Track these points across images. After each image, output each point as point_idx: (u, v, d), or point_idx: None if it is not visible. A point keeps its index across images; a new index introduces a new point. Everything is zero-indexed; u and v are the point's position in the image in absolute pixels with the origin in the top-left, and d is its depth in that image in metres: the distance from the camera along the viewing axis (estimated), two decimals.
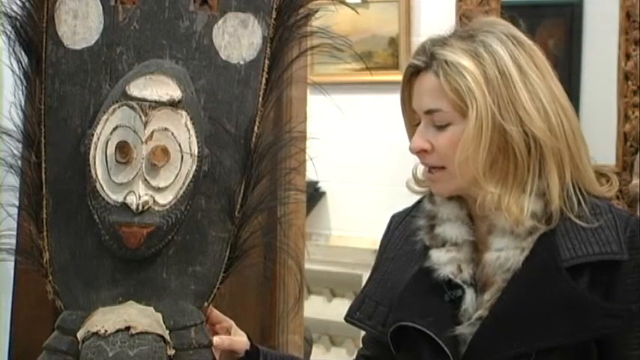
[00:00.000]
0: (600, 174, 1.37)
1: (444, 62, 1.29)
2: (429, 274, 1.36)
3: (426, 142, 1.33)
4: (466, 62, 1.28)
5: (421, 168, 1.42)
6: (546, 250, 1.29)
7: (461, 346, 1.31)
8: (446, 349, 1.29)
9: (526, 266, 1.29)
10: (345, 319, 1.45)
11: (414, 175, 1.45)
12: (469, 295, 1.33)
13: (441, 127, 1.32)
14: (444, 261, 1.35)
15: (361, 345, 1.56)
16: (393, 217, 1.52)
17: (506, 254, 1.30)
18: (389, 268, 1.45)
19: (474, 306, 1.32)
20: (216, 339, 1.41)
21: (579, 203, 1.30)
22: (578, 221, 1.29)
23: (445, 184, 1.35)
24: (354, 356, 1.55)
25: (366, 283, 1.48)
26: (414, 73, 1.36)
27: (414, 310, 1.34)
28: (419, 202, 1.47)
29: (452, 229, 1.37)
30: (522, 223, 1.29)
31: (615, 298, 1.26)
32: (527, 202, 1.29)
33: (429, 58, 1.32)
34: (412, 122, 1.39)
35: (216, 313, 1.46)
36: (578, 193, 1.31)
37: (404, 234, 1.46)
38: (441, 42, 1.33)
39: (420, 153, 1.35)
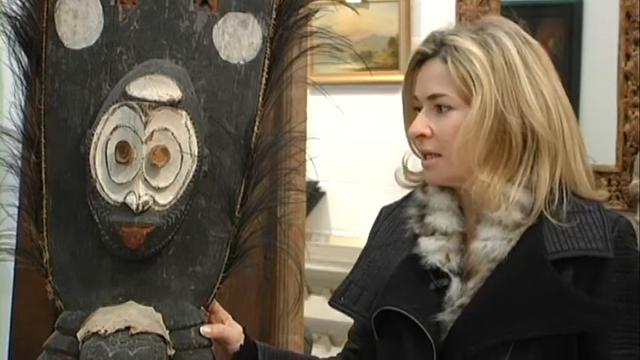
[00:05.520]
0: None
1: (453, 48, 1.32)
2: (417, 261, 1.36)
3: (426, 127, 1.35)
4: (475, 49, 1.31)
5: (412, 159, 1.43)
6: (532, 242, 1.30)
7: (442, 333, 1.32)
8: (428, 335, 1.30)
9: (511, 257, 1.30)
10: (330, 303, 1.46)
11: (404, 166, 1.46)
12: (455, 284, 1.33)
13: (443, 113, 1.33)
14: (433, 249, 1.36)
15: (347, 339, 1.54)
16: (383, 209, 1.52)
17: (492, 244, 1.31)
18: (376, 255, 1.45)
19: (458, 294, 1.33)
20: (204, 327, 1.41)
21: (560, 202, 1.31)
22: (551, 219, 1.30)
23: (440, 171, 1.36)
24: (341, 349, 1.54)
25: (352, 269, 1.48)
26: (420, 61, 1.37)
27: (400, 296, 1.35)
28: (408, 195, 1.47)
29: (442, 219, 1.38)
30: (507, 209, 1.30)
31: (599, 295, 1.27)
32: (513, 192, 1.30)
33: (438, 45, 1.35)
34: (411, 111, 1.40)
35: (216, 306, 1.46)
36: (563, 191, 1.32)
37: (393, 223, 1.46)
38: (451, 31, 1.35)
39: (419, 138, 1.36)
